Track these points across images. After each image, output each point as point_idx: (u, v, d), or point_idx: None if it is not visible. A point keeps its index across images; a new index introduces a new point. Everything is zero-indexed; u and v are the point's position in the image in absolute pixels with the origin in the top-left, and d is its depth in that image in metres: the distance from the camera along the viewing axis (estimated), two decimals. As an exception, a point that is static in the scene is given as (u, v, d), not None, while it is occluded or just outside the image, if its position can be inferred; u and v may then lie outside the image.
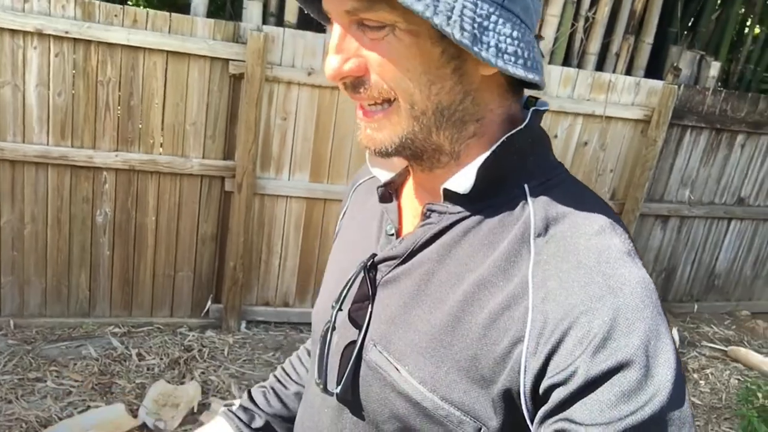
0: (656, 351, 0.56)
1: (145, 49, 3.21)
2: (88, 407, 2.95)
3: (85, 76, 3.18)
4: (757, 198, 4.91)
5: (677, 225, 4.75)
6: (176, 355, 3.45)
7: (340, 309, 0.80)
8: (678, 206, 4.65)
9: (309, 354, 1.09)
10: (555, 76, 3.92)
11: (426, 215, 0.73)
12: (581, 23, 4.11)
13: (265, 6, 3.56)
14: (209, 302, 3.80)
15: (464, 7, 0.58)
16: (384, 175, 0.82)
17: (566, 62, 4.15)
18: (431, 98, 0.65)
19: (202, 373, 3.36)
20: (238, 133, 3.47)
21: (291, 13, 3.55)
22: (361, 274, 0.77)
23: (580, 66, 4.17)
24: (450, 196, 0.70)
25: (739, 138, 4.62)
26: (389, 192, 0.82)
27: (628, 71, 4.36)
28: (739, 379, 4.13)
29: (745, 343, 4.70)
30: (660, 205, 4.59)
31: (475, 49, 0.59)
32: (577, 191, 0.69)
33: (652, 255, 4.78)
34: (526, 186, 0.69)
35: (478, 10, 0.59)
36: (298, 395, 1.04)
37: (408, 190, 0.81)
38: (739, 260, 5.11)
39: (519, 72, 0.62)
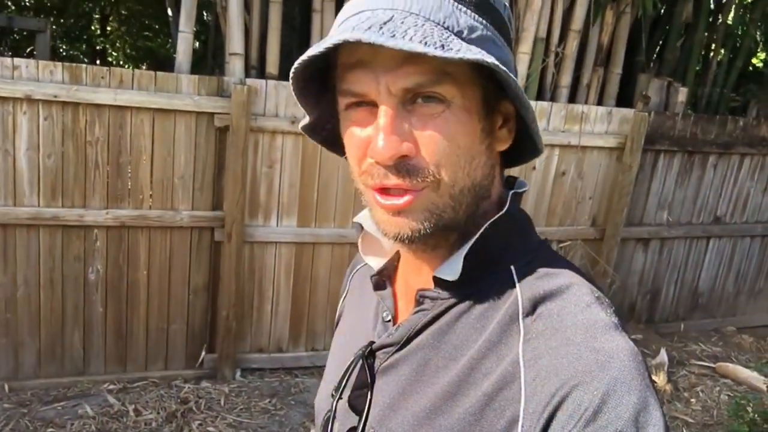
0: (646, 423, 0.58)
1: (132, 108, 3.28)
2: (89, 467, 2.95)
3: (74, 138, 3.24)
4: (733, 216, 5.05)
5: (658, 247, 4.86)
6: (173, 408, 3.45)
7: (340, 397, 0.81)
8: (657, 228, 4.77)
9: None
10: (530, 110, 4.04)
11: (419, 301, 0.76)
12: (552, 59, 4.26)
13: (247, 59, 3.66)
14: (203, 352, 3.82)
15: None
16: (377, 263, 0.85)
17: (540, 96, 4.29)
18: (470, 174, 0.69)
19: (200, 424, 3.36)
20: (226, 184, 3.53)
21: (272, 65, 3.66)
22: (360, 362, 0.80)
23: (553, 99, 4.31)
24: (440, 283, 0.73)
25: (711, 159, 4.78)
26: (383, 279, 0.84)
27: (600, 101, 4.52)
28: (729, 395, 4.20)
29: (733, 358, 4.79)
30: (640, 229, 4.71)
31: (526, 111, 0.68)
32: (560, 268, 0.71)
33: (636, 278, 4.88)
34: (512, 267, 0.72)
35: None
36: None
37: (401, 275, 0.84)
38: (721, 277, 5.23)
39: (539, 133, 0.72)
